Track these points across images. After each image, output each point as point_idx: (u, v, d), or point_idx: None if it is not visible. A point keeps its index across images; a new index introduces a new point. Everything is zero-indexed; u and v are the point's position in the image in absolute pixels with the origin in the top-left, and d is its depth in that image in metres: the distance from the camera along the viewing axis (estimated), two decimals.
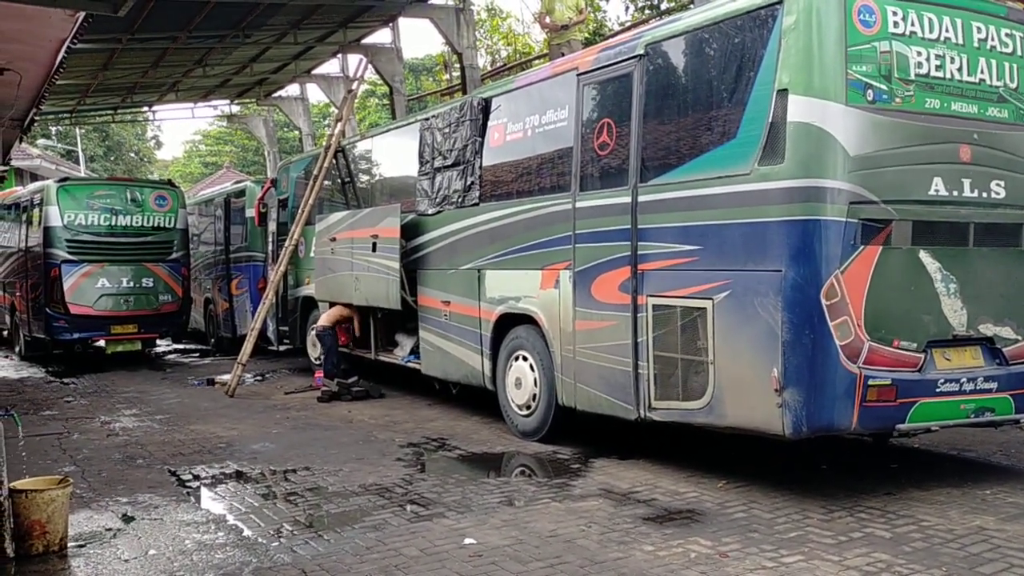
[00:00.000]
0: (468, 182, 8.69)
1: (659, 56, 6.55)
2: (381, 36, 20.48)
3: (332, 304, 11.36)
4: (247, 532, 5.42)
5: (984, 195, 5.83)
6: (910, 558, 4.64)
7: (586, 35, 12.17)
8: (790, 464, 6.75)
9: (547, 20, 11.11)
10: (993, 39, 5.94)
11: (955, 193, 5.71)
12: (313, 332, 12.33)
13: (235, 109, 30.17)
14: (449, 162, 9.03)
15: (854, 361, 5.40)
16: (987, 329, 5.90)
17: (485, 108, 8.63)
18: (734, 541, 4.96)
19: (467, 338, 8.72)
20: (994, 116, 5.92)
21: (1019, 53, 6.05)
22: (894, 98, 5.56)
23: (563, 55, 9.85)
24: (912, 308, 5.65)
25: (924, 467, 6.69)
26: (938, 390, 5.64)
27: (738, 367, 5.75)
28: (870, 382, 5.42)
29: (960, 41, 5.80)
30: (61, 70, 8.84)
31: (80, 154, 36.63)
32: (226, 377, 11.66)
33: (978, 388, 5.77)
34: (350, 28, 19.68)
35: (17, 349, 16.23)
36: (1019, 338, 6.01)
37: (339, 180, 12.00)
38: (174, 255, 15.02)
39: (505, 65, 22.01)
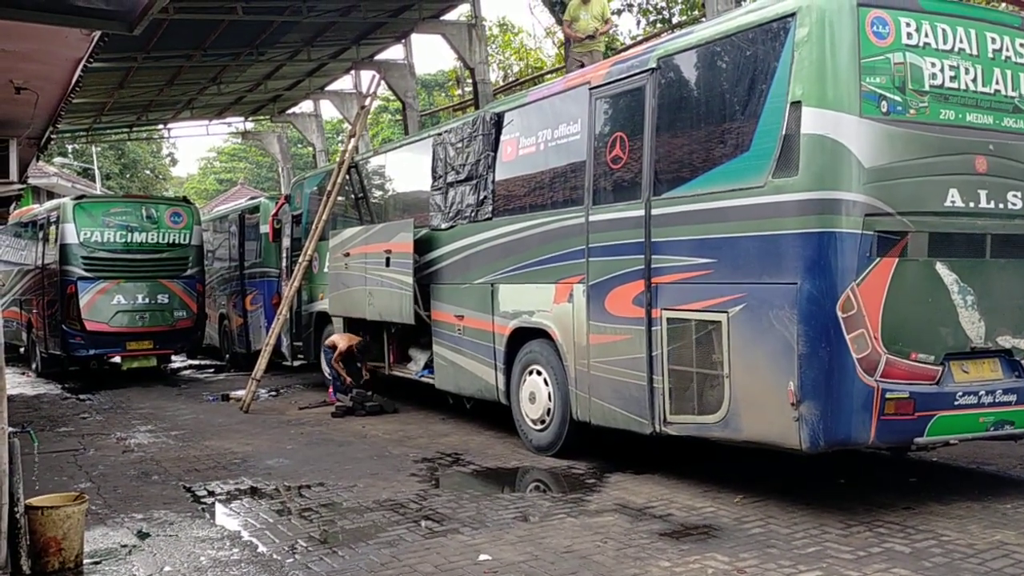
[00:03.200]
0: (481, 196, 8.70)
1: (671, 69, 6.55)
2: (394, 52, 20.65)
3: (345, 321, 11.40)
4: (262, 548, 5.41)
5: (1001, 206, 5.78)
6: (930, 573, 4.59)
7: (600, 49, 12.17)
8: (807, 479, 6.69)
9: (569, 29, 11.10)
10: (1008, 49, 5.91)
11: (971, 204, 5.67)
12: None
13: (249, 126, 30.40)
14: (462, 177, 9.05)
15: (871, 374, 5.36)
16: (1006, 341, 5.85)
17: (497, 123, 8.65)
18: (752, 557, 4.92)
19: (481, 352, 8.71)
20: (1010, 127, 5.89)
21: None
22: (908, 109, 5.54)
23: (583, 65, 9.88)
24: (929, 320, 5.61)
25: (943, 481, 6.63)
26: (956, 403, 5.58)
27: (754, 381, 5.72)
28: (888, 395, 5.37)
29: (974, 52, 5.78)
30: (77, 89, 8.89)
31: (96, 172, 36.92)
32: (241, 393, 11.69)
33: (997, 401, 5.71)
34: (363, 45, 19.82)
35: (34, 366, 16.32)
36: None
37: (352, 196, 12.04)
38: (189, 271, 15.09)
39: (517, 80, 22.09)
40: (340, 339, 11.07)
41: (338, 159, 12.36)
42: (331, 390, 11.28)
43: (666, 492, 6.39)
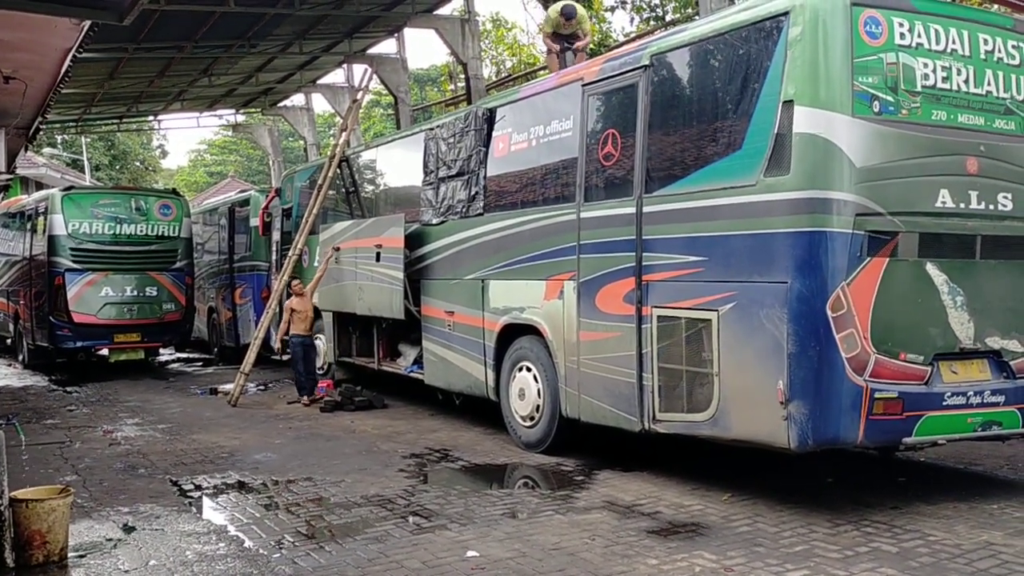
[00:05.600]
0: (472, 192, 8.68)
1: (664, 67, 6.54)
2: (386, 46, 20.59)
3: (335, 316, 11.36)
4: (248, 543, 5.38)
5: (991, 207, 5.80)
6: (917, 573, 4.60)
7: (592, 46, 12.16)
8: (795, 477, 6.71)
9: (550, 40, 11.02)
10: (1000, 51, 5.92)
11: (962, 205, 5.68)
12: (318, 341, 12.37)
13: (240, 118, 30.23)
14: (453, 172, 9.03)
15: (860, 374, 5.37)
16: (994, 342, 5.86)
17: (490, 118, 8.63)
18: (739, 555, 4.92)
19: (470, 348, 8.69)
20: (1001, 128, 5.90)
21: None
22: (900, 110, 5.54)
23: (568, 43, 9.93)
24: (919, 321, 5.62)
25: (931, 481, 6.64)
26: (945, 403, 5.60)
27: (743, 379, 5.72)
28: (876, 395, 5.38)
29: (967, 53, 5.78)
30: (67, 79, 8.85)
31: (85, 163, 36.65)
32: (229, 386, 11.64)
33: (985, 401, 5.73)
34: (355, 38, 19.74)
35: (21, 357, 16.23)
36: None
37: (343, 190, 12.00)
38: (178, 264, 15.02)
39: (510, 75, 22.05)
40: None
41: (329, 153, 12.31)
42: (321, 384, 11.25)
43: (654, 490, 6.39)
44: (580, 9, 10.80)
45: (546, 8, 11.86)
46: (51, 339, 14.18)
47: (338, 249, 11.13)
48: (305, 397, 10.91)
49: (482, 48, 20.34)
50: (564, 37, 10.81)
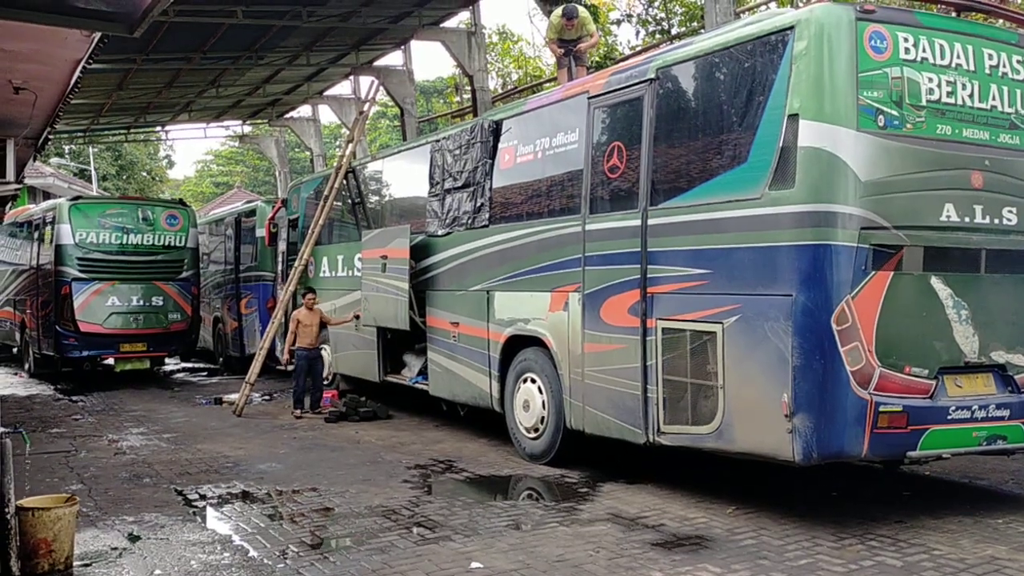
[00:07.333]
0: (478, 204, 8.71)
1: (670, 80, 6.57)
2: (393, 58, 20.70)
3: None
4: (253, 553, 5.39)
5: (996, 221, 5.81)
6: None
7: (597, 59, 12.20)
8: (800, 490, 6.70)
9: (555, 46, 11.09)
10: (1005, 66, 5.94)
11: (967, 219, 5.70)
12: (323, 352, 12.38)
13: (247, 129, 30.38)
14: (459, 184, 9.06)
15: (865, 387, 5.37)
16: (999, 356, 5.86)
17: (495, 130, 8.66)
18: (744, 568, 4.91)
19: (475, 359, 8.70)
20: (1006, 143, 5.92)
21: None
22: (905, 124, 5.56)
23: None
24: (923, 334, 5.62)
25: (935, 495, 6.63)
26: (950, 417, 5.60)
27: (748, 392, 5.72)
28: (881, 409, 5.38)
29: (971, 68, 5.81)
30: (76, 90, 8.90)
31: (93, 173, 36.81)
32: (234, 396, 11.66)
33: (990, 416, 5.72)
34: (362, 50, 19.85)
35: (26, 366, 16.27)
36: None
37: (349, 201, 12.05)
38: (184, 274, 15.07)
39: (516, 88, 22.11)
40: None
41: (335, 164, 12.36)
42: (326, 395, 11.26)
43: (659, 502, 6.39)
44: (581, 10, 10.81)
45: (549, 16, 11.88)
46: (57, 348, 14.23)
47: (358, 317, 11.08)
48: (298, 410, 10.89)
49: (488, 60, 20.41)
50: (568, 42, 10.83)
